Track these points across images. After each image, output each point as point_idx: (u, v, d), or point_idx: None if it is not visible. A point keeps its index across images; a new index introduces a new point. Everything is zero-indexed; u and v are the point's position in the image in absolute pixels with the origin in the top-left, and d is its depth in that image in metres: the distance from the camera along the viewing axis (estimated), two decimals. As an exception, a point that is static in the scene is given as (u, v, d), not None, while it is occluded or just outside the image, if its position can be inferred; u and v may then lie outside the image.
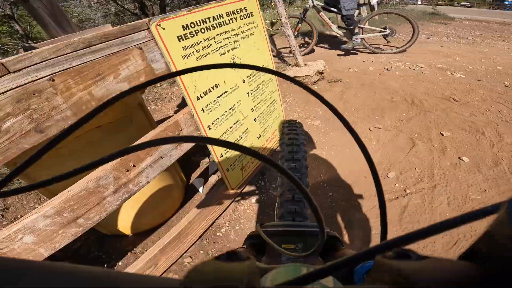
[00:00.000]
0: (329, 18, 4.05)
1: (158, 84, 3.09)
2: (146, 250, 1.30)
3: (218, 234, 1.48)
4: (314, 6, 3.93)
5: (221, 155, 1.37)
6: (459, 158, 1.75)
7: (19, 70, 0.70)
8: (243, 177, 1.58)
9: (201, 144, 1.72)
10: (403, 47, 4.03)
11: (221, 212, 1.54)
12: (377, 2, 7.41)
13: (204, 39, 1.15)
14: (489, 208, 0.14)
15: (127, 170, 0.95)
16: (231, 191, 1.52)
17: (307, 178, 0.79)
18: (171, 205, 1.56)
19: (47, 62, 0.74)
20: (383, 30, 3.95)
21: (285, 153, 0.82)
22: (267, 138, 1.74)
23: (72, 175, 0.20)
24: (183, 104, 2.85)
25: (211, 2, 1.19)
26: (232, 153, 1.43)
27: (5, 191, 0.20)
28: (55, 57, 0.75)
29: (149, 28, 0.96)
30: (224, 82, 1.29)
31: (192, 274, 0.13)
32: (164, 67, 1.01)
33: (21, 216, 1.75)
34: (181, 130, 1.10)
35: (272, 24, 4.13)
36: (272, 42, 4.57)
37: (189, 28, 1.08)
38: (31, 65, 0.71)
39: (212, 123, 1.26)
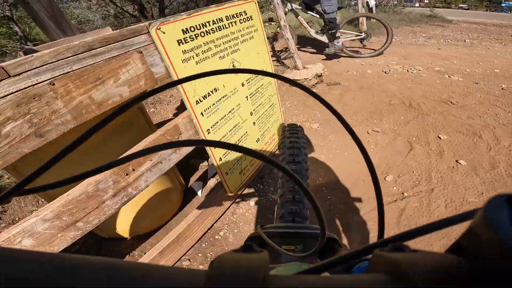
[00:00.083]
0: (308, 23, 4.06)
1: (157, 86, 3.10)
2: (145, 253, 1.30)
3: (216, 237, 1.48)
4: (292, 10, 3.92)
5: (220, 159, 1.37)
6: (456, 161, 1.76)
7: (19, 74, 0.70)
8: (242, 181, 1.58)
9: (200, 147, 1.73)
10: (380, 49, 4.04)
11: (220, 215, 1.54)
12: (375, 4, 7.48)
13: (203, 43, 1.16)
14: (465, 214, 0.16)
15: (126, 174, 0.95)
16: (230, 195, 1.53)
17: (307, 180, 0.81)
18: (169, 208, 1.56)
19: (48, 66, 0.74)
20: (359, 34, 3.99)
21: (286, 155, 0.85)
22: (265, 142, 1.75)
23: (83, 178, 0.22)
24: (182, 107, 2.86)
25: (210, 6, 1.19)
26: (231, 156, 1.44)
27: (27, 189, 0.22)
28: (55, 61, 0.75)
29: (149, 32, 0.96)
30: (224, 86, 1.29)
31: (217, 262, 0.14)
32: (163, 71, 1.01)
33: (19, 219, 1.75)
34: (180, 134, 1.10)
35: (271, 20, 4.10)
36: (271, 44, 4.59)
37: (189, 32, 1.09)
38: (32, 69, 0.71)
39: (211, 127, 1.26)
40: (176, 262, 1.35)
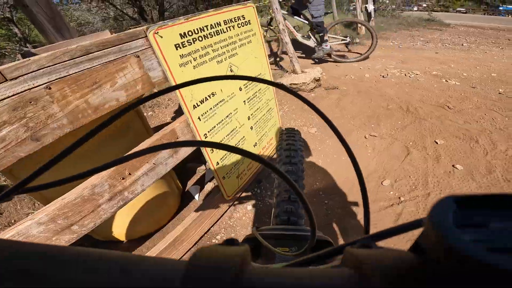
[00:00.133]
0: (294, 27, 4.09)
1: (154, 90, 3.11)
2: None
3: (213, 240, 1.48)
4: None
5: (217, 163, 1.37)
6: (453, 166, 1.77)
7: (16, 78, 0.70)
8: (239, 185, 1.58)
9: (198, 151, 1.73)
10: (365, 54, 4.07)
11: (217, 219, 1.54)
12: (373, 9, 7.54)
13: (201, 47, 1.16)
14: (417, 222, 0.18)
15: (123, 178, 0.95)
16: (227, 199, 1.53)
17: (303, 181, 0.83)
18: (166, 212, 1.56)
19: (44, 70, 0.74)
20: (344, 38, 4.03)
21: (283, 157, 0.87)
22: (263, 146, 1.75)
23: (81, 177, 0.24)
24: (180, 111, 2.86)
25: (209, 10, 1.19)
26: (228, 161, 1.44)
27: (30, 187, 0.23)
28: (52, 65, 0.75)
29: (146, 36, 0.96)
30: (221, 90, 1.29)
31: (198, 253, 0.16)
32: (161, 75, 1.02)
33: (15, 221, 1.74)
34: (178, 138, 1.10)
35: (269, 21, 4.13)
36: (269, 48, 4.60)
37: (186, 36, 1.09)
38: (28, 73, 0.71)
39: (208, 132, 1.26)
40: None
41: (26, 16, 1.80)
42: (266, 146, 1.78)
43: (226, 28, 1.29)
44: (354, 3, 6.50)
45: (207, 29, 1.18)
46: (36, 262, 0.15)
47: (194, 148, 1.22)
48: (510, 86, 2.94)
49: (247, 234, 0.55)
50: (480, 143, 1.96)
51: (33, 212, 1.80)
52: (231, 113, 1.38)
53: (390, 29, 7.45)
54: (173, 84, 1.05)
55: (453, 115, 2.37)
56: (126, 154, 0.26)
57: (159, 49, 1.00)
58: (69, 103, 0.78)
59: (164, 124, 2.66)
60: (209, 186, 1.79)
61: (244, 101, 1.48)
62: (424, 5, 19.76)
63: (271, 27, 4.15)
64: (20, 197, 1.87)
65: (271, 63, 4.12)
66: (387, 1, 9.95)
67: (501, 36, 6.82)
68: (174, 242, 1.34)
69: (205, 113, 1.22)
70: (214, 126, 1.29)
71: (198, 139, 1.20)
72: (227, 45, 1.30)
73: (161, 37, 1.00)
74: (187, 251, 1.41)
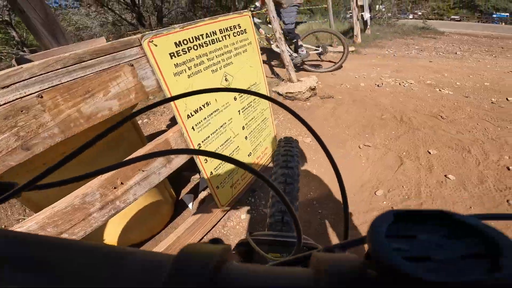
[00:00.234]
0: (269, 36, 4.14)
1: (150, 97, 3.10)
2: None
3: (206, 249, 1.47)
4: (254, 24, 4.01)
5: (211, 173, 1.36)
6: (445, 176, 1.78)
7: (7, 86, 0.69)
8: (233, 194, 1.58)
9: (192, 160, 1.72)
10: (338, 63, 4.11)
11: (210, 228, 1.53)
12: (370, 17, 7.64)
13: (196, 56, 1.15)
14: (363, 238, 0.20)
15: (114, 188, 0.94)
16: (221, 208, 1.52)
17: (298, 184, 0.87)
18: (159, 221, 1.55)
19: (36, 78, 0.73)
20: (317, 48, 4.06)
21: (280, 161, 0.91)
22: (257, 156, 1.74)
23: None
24: (175, 118, 2.85)
25: (205, 19, 1.19)
26: (222, 170, 1.43)
27: (38, 185, 0.26)
28: (44, 73, 0.75)
29: (141, 45, 0.96)
30: (216, 100, 1.29)
31: (184, 250, 0.18)
32: (155, 84, 1.01)
33: (5, 227, 1.72)
34: (171, 148, 1.10)
35: (268, 39, 4.17)
36: (267, 56, 4.64)
37: (181, 45, 1.08)
38: (20, 81, 0.71)
39: (202, 141, 1.26)
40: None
41: (22, 21, 1.80)
42: (261, 156, 1.78)
43: (222, 37, 1.28)
44: (351, 12, 6.59)
45: (203, 38, 1.17)
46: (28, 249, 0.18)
47: (189, 157, 1.21)
48: (503, 95, 2.98)
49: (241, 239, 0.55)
50: (472, 153, 1.98)
51: (24, 218, 1.78)
52: (225, 122, 1.38)
53: (385, 37, 7.55)
54: (167, 93, 1.05)
55: (446, 125, 2.40)
56: (117, 163, 0.28)
57: (154, 58, 0.99)
58: (61, 112, 0.78)
59: (159, 132, 2.66)
60: (203, 195, 1.78)
61: (239, 110, 1.47)
62: (419, 13, 20.12)
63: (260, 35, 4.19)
64: (11, 203, 1.85)
65: (266, 70, 4.15)
66: (383, 9, 10.11)
67: (494, 44, 6.94)
68: (167, 250, 1.33)
69: (199, 123, 1.21)
70: (208, 136, 1.29)
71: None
72: (222, 54, 1.30)
73: (156, 45, 0.99)
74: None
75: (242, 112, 1.50)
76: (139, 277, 0.17)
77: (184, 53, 1.09)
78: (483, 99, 2.92)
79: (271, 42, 4.13)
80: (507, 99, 2.87)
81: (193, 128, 1.18)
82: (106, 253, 0.18)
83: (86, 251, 0.18)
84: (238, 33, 1.39)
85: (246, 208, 1.67)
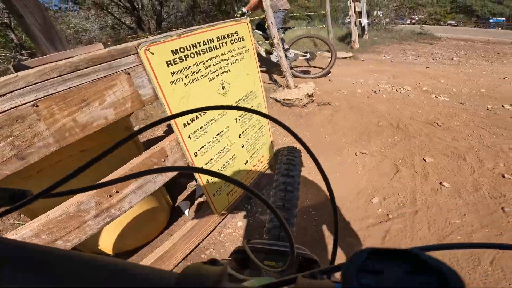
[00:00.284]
0: (257, 42, 4.15)
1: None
2: None
3: (202, 256, 1.47)
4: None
5: (207, 181, 1.35)
6: (440, 183, 1.79)
7: (3, 95, 0.69)
8: (229, 202, 1.57)
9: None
10: (326, 69, 4.11)
11: (206, 235, 1.53)
12: (367, 23, 7.71)
13: (193, 64, 1.15)
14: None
15: (110, 196, 0.94)
16: (217, 215, 1.52)
17: (298, 192, 0.92)
18: (155, 227, 1.54)
19: (32, 87, 0.73)
20: (304, 54, 4.08)
21: (282, 170, 0.95)
22: (254, 164, 1.74)
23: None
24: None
25: (202, 26, 1.18)
26: (218, 178, 1.41)
27: (54, 192, 0.28)
28: (40, 82, 0.74)
29: (138, 53, 0.95)
30: (213, 108, 1.29)
31: (186, 270, 0.20)
32: (151, 93, 1.01)
33: (0, 232, 1.71)
34: (167, 157, 1.09)
35: (268, 52, 4.14)
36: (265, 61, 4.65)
37: (178, 53, 1.08)
38: (16, 90, 0.70)
39: (198, 150, 1.25)
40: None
41: (20, 26, 1.80)
42: (257, 164, 1.77)
43: (219, 44, 1.28)
44: (349, 17, 6.65)
45: (200, 46, 1.17)
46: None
47: (186, 164, 1.21)
48: (498, 101, 3.01)
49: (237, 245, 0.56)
50: (467, 161, 2.00)
51: (19, 223, 1.77)
52: (222, 131, 1.37)
53: (383, 42, 7.62)
54: (164, 102, 1.05)
55: (442, 132, 2.42)
56: (112, 176, 0.30)
57: (150, 66, 0.99)
58: (56, 121, 0.78)
59: (156, 137, 2.66)
60: (199, 202, 1.78)
61: (236, 119, 1.47)
62: (417, 18, 20.29)
63: (269, 49, 4.20)
64: (6, 208, 1.84)
65: (265, 75, 4.17)
66: (381, 15, 10.20)
67: (490, 50, 7.01)
68: (162, 257, 1.32)
69: (196, 131, 1.21)
70: (205, 145, 1.28)
71: (188, 157, 1.19)
72: (220, 62, 1.29)
73: (153, 53, 0.99)
74: (176, 265, 1.39)
75: (239, 120, 1.49)
76: None
77: (181, 61, 1.09)
78: (478, 106, 2.94)
79: (260, 47, 4.12)
80: (502, 105, 2.90)
81: (189, 136, 1.17)
82: (113, 268, 0.19)
83: (91, 265, 0.19)
84: (236, 40, 1.38)
85: (243, 215, 1.67)
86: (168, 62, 1.05)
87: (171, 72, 1.06)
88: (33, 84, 0.73)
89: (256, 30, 4.01)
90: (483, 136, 2.31)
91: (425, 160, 2.04)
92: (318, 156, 2.15)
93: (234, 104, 1.43)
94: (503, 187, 1.73)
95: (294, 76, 4.14)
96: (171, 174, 1.13)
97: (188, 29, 1.13)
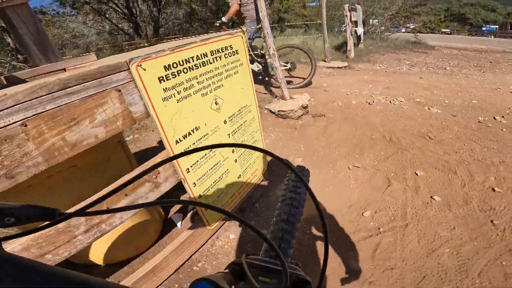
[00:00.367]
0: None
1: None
2: (119, 282, 1.27)
3: (194, 268, 1.46)
4: None
5: (200, 196, 1.35)
6: (431, 197, 1.81)
7: (-8, 115, 0.70)
8: (222, 215, 1.57)
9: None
10: (307, 79, 4.13)
11: (198, 247, 1.52)
12: (363, 32, 7.80)
13: (186, 80, 1.13)
14: None
15: (98, 213, 0.94)
16: (209, 228, 1.51)
17: (303, 208, 0.92)
18: (146, 240, 1.54)
19: (21, 106, 0.72)
20: (285, 65, 4.11)
21: (290, 187, 0.97)
22: (247, 178, 1.73)
23: None
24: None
25: (196, 41, 1.17)
26: (211, 192, 1.41)
27: (86, 212, 0.30)
28: (29, 100, 0.74)
29: (129, 69, 0.94)
30: (205, 124, 1.28)
31: None
32: (143, 110, 1.01)
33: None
34: (158, 174, 1.09)
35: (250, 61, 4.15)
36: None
37: (171, 69, 1.07)
38: (4, 109, 0.70)
39: (191, 167, 1.24)
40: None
41: (13, 36, 1.80)
42: (251, 178, 1.77)
43: (213, 58, 1.26)
44: (345, 26, 6.73)
45: (193, 61, 1.16)
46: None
47: (177, 181, 1.21)
48: (490, 113, 3.05)
49: (232, 260, 0.59)
50: (458, 174, 2.02)
51: (10, 233, 1.75)
52: (214, 147, 1.37)
53: (378, 51, 7.71)
54: (155, 119, 1.05)
55: (434, 145, 2.44)
56: (103, 193, 0.34)
57: (142, 82, 0.98)
58: (45, 141, 0.78)
59: (150, 148, 2.66)
60: (191, 214, 1.77)
61: (229, 134, 1.46)
62: (412, 26, 20.62)
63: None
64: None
65: (260, 85, 4.19)
66: (377, 24, 10.34)
67: (483, 59, 7.13)
68: (154, 269, 1.31)
69: (188, 148, 1.19)
70: (197, 161, 1.27)
71: (180, 173, 1.18)
72: (213, 77, 1.28)
73: (145, 69, 0.98)
74: (167, 278, 1.39)
75: (232, 135, 1.49)
76: None
77: (173, 77, 1.08)
78: (470, 118, 2.98)
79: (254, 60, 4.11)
80: (494, 117, 2.93)
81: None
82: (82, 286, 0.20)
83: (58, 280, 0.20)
84: (230, 54, 1.37)
85: (235, 227, 1.67)
86: (161, 78, 1.04)
87: (164, 89, 1.05)
88: (22, 103, 0.73)
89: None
90: (474, 149, 2.34)
91: (416, 174, 2.05)
92: (312, 169, 2.17)
93: (227, 120, 1.43)
94: (493, 201, 1.75)
95: (272, 85, 4.14)
96: (164, 190, 1.13)
97: (181, 44, 1.13)
